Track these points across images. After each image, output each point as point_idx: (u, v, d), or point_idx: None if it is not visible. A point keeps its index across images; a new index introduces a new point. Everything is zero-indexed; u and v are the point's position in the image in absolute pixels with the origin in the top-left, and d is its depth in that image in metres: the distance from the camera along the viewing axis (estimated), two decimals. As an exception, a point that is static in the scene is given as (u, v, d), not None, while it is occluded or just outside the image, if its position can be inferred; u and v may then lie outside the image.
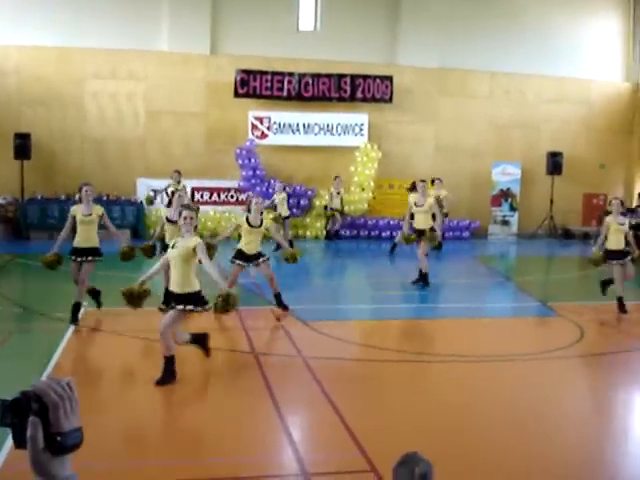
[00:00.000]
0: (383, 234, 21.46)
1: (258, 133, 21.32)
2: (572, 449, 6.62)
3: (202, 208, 20.39)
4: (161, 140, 21.04)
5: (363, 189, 21.63)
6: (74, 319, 10.45)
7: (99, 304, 11.38)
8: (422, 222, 13.82)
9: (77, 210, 11.03)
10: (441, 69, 22.77)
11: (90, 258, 11.00)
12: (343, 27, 21.99)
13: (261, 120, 21.36)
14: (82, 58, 20.32)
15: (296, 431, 6.89)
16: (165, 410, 7.42)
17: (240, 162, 20.84)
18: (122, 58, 20.63)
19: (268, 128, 21.41)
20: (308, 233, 21.11)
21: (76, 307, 10.60)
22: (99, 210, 11.06)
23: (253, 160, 20.86)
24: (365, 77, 21.69)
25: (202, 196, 20.88)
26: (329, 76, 21.48)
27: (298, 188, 21.10)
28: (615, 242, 12.04)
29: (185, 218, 8.34)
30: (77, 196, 11.91)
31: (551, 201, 22.86)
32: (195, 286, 8.31)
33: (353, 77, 21.62)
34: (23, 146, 19.30)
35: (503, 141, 23.45)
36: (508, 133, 23.48)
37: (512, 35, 23.20)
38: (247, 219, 11.00)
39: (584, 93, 24.23)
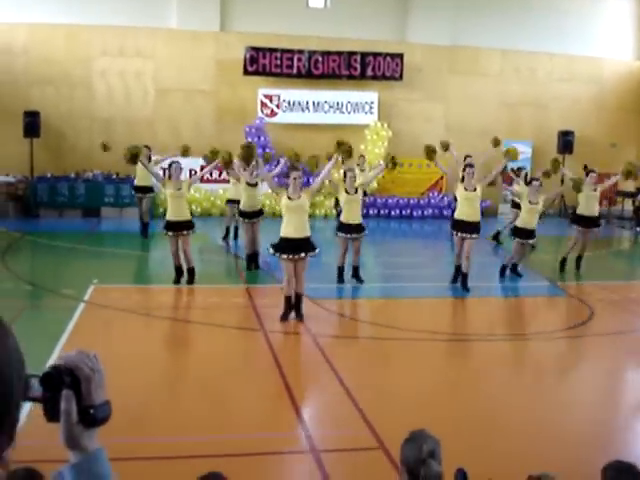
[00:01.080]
0: (392, 212, 21.39)
1: (267, 111, 21.23)
2: (577, 426, 6.62)
3: (211, 187, 20.43)
4: (170, 118, 20.97)
5: (372, 169, 21.53)
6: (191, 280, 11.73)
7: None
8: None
9: (168, 185, 11.78)
10: (452, 47, 22.57)
11: (185, 232, 11.60)
12: (353, 4, 21.80)
13: (270, 98, 21.27)
14: (90, 36, 20.22)
15: (305, 408, 6.92)
16: (175, 387, 7.45)
17: (249, 140, 20.76)
18: (131, 35, 20.52)
19: (277, 106, 21.31)
20: (317, 212, 21.05)
21: (190, 272, 11.74)
22: (187, 184, 11.87)
23: (262, 138, 20.78)
24: (375, 55, 21.52)
25: (211, 174, 20.81)
26: (339, 54, 21.33)
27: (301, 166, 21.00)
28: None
29: (295, 179, 10.07)
30: (167, 173, 12.99)
31: (562, 180, 22.71)
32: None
33: (363, 55, 21.46)
34: (32, 124, 19.28)
35: (514, 120, 23.27)
36: (519, 112, 23.30)
37: (523, 12, 22.94)
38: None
39: (595, 71, 24.00)
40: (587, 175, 14.13)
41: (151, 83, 20.87)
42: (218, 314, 10.69)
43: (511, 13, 22.82)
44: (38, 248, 15.47)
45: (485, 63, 23.01)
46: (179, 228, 11.60)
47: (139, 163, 12.89)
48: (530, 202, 12.68)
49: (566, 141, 22.65)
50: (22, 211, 19.24)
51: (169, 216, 11.70)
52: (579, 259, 13.59)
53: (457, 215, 12.21)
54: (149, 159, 15.10)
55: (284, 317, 9.75)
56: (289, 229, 9.73)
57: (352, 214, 11.95)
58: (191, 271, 11.80)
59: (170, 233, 11.60)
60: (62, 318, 9.44)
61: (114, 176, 19.96)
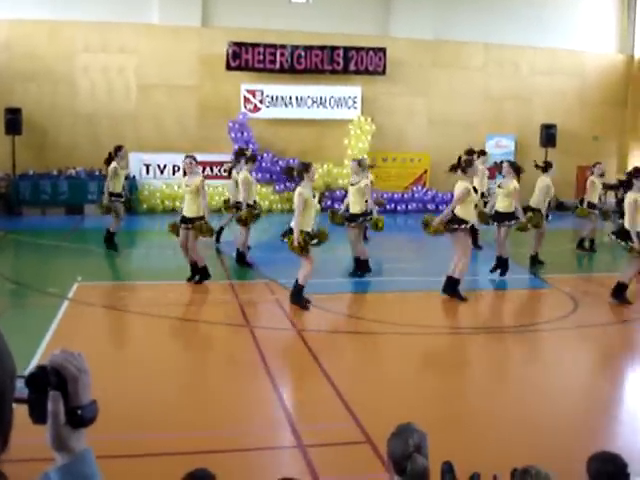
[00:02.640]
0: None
1: (251, 106, 21.18)
2: (564, 418, 6.66)
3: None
4: (153, 114, 20.87)
5: (357, 163, 21.52)
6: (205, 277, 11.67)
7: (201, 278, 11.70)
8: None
9: (182, 180, 12.13)
10: (435, 41, 22.59)
11: (191, 226, 11.51)
12: (335, -1, 21.79)
13: (253, 93, 21.21)
14: (73, 32, 20.08)
15: (291, 403, 6.92)
16: (160, 383, 7.42)
17: (232, 135, 20.71)
18: (113, 31, 20.39)
19: (261, 101, 21.26)
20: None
21: (194, 269, 11.65)
22: (198, 181, 11.58)
23: (246, 133, 20.73)
24: (358, 49, 21.51)
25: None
26: (322, 48, 21.30)
27: (291, 162, 20.99)
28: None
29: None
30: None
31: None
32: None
33: (346, 49, 21.43)
34: (14, 121, 19.11)
35: (497, 113, 23.33)
36: (502, 105, 23.37)
37: (506, 6, 23.00)
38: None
39: (578, 65, 24.10)
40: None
41: (134, 79, 20.76)
42: (203, 310, 10.67)
43: (494, 7, 22.88)
44: (21, 246, 15.36)
45: (468, 57, 23.06)
46: (184, 222, 11.59)
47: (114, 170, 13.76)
48: (499, 186, 12.91)
49: (549, 134, 22.75)
50: (4, 209, 19.10)
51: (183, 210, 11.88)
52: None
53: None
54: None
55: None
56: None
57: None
58: (195, 268, 11.64)
59: (182, 226, 11.64)
60: (46, 316, 9.38)
61: (97, 173, 19.83)
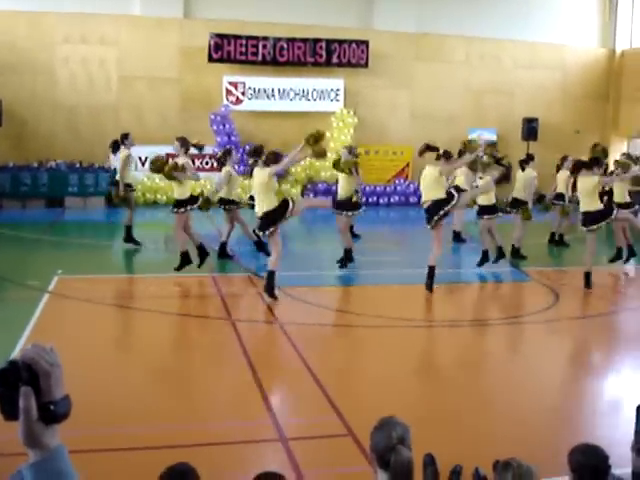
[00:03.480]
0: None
1: (233, 98, 21.08)
2: (545, 411, 6.69)
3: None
4: (134, 106, 20.72)
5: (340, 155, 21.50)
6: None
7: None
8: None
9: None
10: (417, 34, 22.57)
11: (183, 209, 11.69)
12: (318, -10, 21.71)
13: (236, 85, 21.11)
14: (53, 22, 19.87)
15: (273, 397, 6.90)
16: (141, 377, 7.38)
17: (215, 128, 20.61)
18: (93, 22, 20.19)
19: (243, 93, 21.17)
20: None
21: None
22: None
23: (228, 126, 20.64)
24: (341, 42, 21.45)
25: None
26: (304, 40, 21.21)
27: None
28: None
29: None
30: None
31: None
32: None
33: (329, 42, 21.37)
34: (-7, 112, 18.92)
35: (479, 107, 23.38)
36: (483, 99, 23.41)
37: (488, -1, 23.04)
38: None
39: (559, 58, 24.19)
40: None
41: (115, 70, 20.59)
42: (185, 303, 10.62)
43: (476, 0, 22.87)
44: (1, 239, 15.20)
45: (450, 50, 23.06)
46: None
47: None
48: (480, 179, 13.01)
49: (530, 128, 22.81)
50: (-17, 202, 18.90)
51: None
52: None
53: None
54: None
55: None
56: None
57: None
58: (182, 255, 11.57)
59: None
60: (26, 310, 9.30)
61: (78, 165, 19.68)
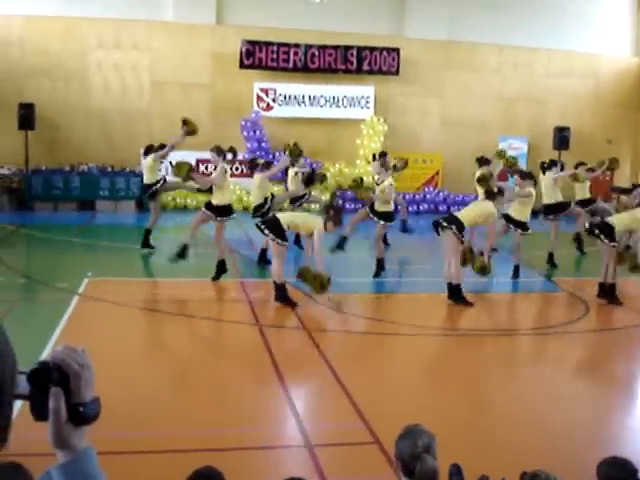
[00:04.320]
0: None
1: (263, 105, 21.18)
2: (574, 423, 6.61)
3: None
4: (166, 111, 20.88)
5: (369, 162, 21.48)
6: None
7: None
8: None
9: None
10: (449, 42, 22.53)
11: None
12: (350, -2, 21.75)
13: (266, 92, 21.21)
14: (86, 28, 20.14)
15: (300, 403, 6.89)
16: (169, 381, 7.42)
17: (245, 134, 20.73)
18: (127, 28, 20.44)
19: (273, 100, 21.26)
20: (313, 207, 20.99)
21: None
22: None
23: (258, 132, 20.75)
24: (372, 49, 21.49)
25: (207, 168, 20.76)
26: (335, 47, 21.27)
27: (304, 161, 20.99)
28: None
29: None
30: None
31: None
32: None
33: (360, 49, 21.41)
34: (27, 116, 19.19)
35: (510, 115, 23.26)
36: (515, 107, 23.29)
37: (521, 7, 22.90)
38: None
39: (592, 67, 24.00)
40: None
41: (147, 76, 20.81)
42: (213, 308, 10.66)
43: (508, 8, 22.77)
44: (32, 241, 15.40)
45: (482, 58, 22.98)
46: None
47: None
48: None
49: (562, 137, 22.64)
50: (17, 204, 19.17)
51: None
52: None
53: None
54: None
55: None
56: None
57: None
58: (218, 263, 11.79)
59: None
60: (56, 311, 9.40)
61: (109, 169, 19.89)
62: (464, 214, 11.04)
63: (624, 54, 24.54)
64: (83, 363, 1.51)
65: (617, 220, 11.05)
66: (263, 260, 13.02)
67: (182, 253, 11.67)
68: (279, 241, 10.19)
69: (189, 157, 20.21)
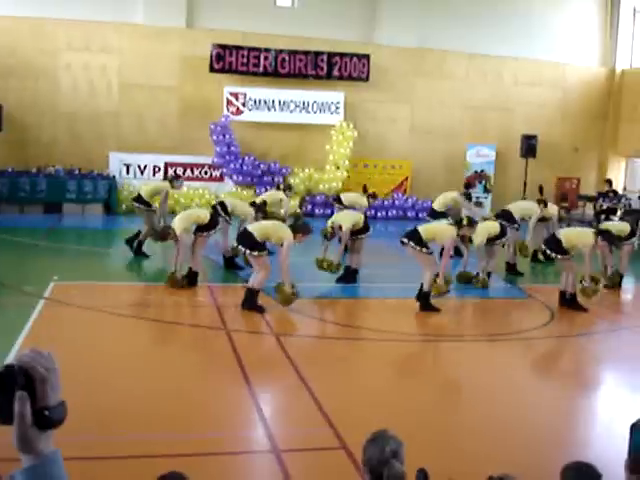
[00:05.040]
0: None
1: (233, 109, 21.12)
2: (538, 428, 6.67)
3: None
4: (135, 113, 20.76)
5: (338, 168, 21.56)
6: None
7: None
8: None
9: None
10: (419, 49, 22.66)
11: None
12: (321, 4, 21.78)
13: (236, 96, 21.16)
14: (55, 29, 19.94)
15: (267, 408, 6.88)
16: (135, 386, 7.36)
17: (214, 138, 20.65)
18: (96, 30, 20.26)
19: (243, 104, 21.21)
20: (282, 211, 20.98)
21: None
22: None
23: (228, 136, 20.68)
24: (342, 55, 21.53)
25: (175, 172, 20.67)
26: (306, 53, 21.30)
27: (273, 165, 21.00)
28: None
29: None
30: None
31: (524, 184, 22.97)
32: None
33: (330, 55, 21.45)
34: (-6, 117, 18.93)
35: (478, 123, 23.45)
36: (483, 115, 23.48)
37: (490, 16, 23.11)
38: None
39: (560, 77, 24.30)
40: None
41: (116, 78, 20.64)
42: (180, 312, 10.61)
43: (478, 17, 22.96)
44: (-3, 244, 15.20)
45: (451, 66, 23.15)
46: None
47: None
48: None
49: (530, 145, 22.85)
50: (-19, 206, 18.87)
51: None
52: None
53: None
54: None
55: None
56: None
57: None
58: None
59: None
60: (21, 315, 9.29)
61: (76, 171, 19.68)
62: (426, 227, 11.17)
63: (591, 64, 24.89)
64: (49, 367, 1.50)
65: (564, 235, 11.38)
66: (231, 266, 13.02)
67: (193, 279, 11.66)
68: (255, 253, 10.21)
69: (158, 161, 20.27)
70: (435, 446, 6.00)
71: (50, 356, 1.53)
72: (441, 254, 11.79)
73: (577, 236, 11.45)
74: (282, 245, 10.21)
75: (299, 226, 10.55)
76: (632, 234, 13.37)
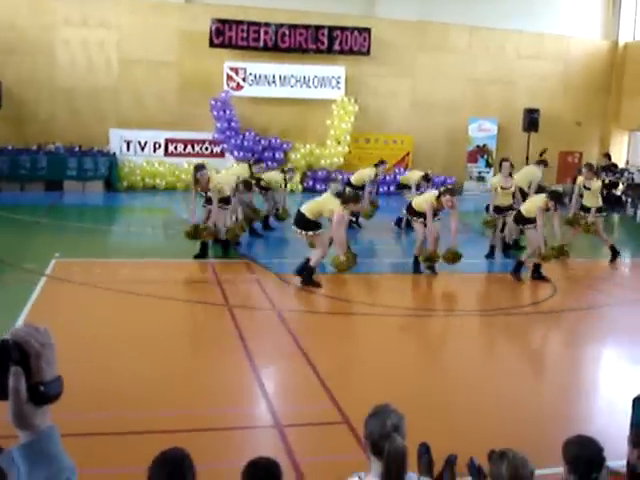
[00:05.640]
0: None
1: (233, 84, 20.99)
2: (540, 402, 6.69)
3: (176, 160, 20.21)
4: (134, 90, 20.64)
5: (339, 143, 21.47)
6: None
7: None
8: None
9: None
10: (420, 22, 22.46)
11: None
12: (321, -23, 21.59)
13: (237, 71, 21.03)
14: (53, 4, 19.76)
15: (270, 383, 6.89)
16: (137, 362, 7.37)
17: (215, 114, 20.55)
18: (94, 5, 20.08)
19: (244, 79, 21.08)
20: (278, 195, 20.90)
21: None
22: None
23: (228, 112, 20.57)
24: (343, 29, 21.36)
25: (176, 148, 20.61)
26: (306, 27, 21.13)
27: (273, 141, 20.91)
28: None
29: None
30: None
31: (527, 158, 22.86)
32: None
33: (331, 28, 21.28)
34: (-7, 93, 18.83)
35: (480, 97, 23.30)
36: (485, 89, 23.33)
37: (492, -11, 22.91)
38: None
39: (562, 50, 24.11)
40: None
41: (115, 53, 20.51)
42: (182, 289, 10.61)
43: (480, -11, 22.75)
44: (-1, 221, 15.18)
45: (453, 39, 22.97)
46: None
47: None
48: (502, 188, 12.94)
49: (532, 119, 22.73)
50: (-18, 184, 18.83)
51: None
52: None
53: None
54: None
55: None
56: None
57: None
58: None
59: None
60: (23, 293, 9.29)
61: (77, 149, 19.61)
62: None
63: (594, 37, 24.68)
64: (44, 342, 1.48)
65: (523, 207, 11.88)
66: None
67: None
68: (311, 233, 10.54)
69: (158, 137, 20.18)
70: (437, 421, 6.01)
71: (46, 331, 1.51)
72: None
73: (533, 203, 11.69)
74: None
75: (349, 196, 10.78)
76: (601, 209, 13.37)
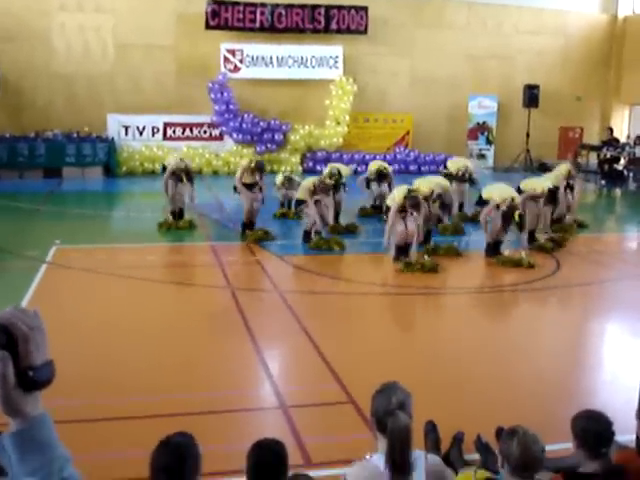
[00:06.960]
0: (359, 168, 21.20)
1: (230, 66, 20.85)
2: (547, 378, 6.65)
3: (175, 144, 20.10)
4: (130, 73, 20.50)
5: (338, 123, 21.35)
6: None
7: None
8: None
9: None
10: (417, -1, 22.29)
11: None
12: (317, -45, 21.37)
13: (233, 53, 20.87)
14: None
15: (274, 365, 6.86)
16: (141, 346, 7.33)
17: (212, 96, 20.42)
18: (89, -11, 19.94)
19: (241, 61, 20.93)
20: (283, 168, 20.85)
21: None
22: None
23: (226, 94, 20.44)
24: (340, 8, 21.18)
25: (174, 132, 20.50)
26: (303, 7, 20.94)
27: (272, 122, 20.78)
28: None
29: None
30: None
31: (527, 134, 22.77)
32: None
33: (327, 8, 21.09)
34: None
35: (479, 74, 23.14)
36: (484, 64, 23.16)
37: (489, -36, 22.71)
38: None
39: (561, 24, 23.91)
40: None
41: (111, 38, 20.35)
42: (184, 272, 10.57)
43: (477, -36, 22.55)
44: (-2, 209, 15.12)
45: (451, 16, 22.79)
46: None
47: None
48: None
49: (532, 95, 22.61)
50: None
51: None
52: None
53: None
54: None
55: None
56: None
57: None
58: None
59: None
60: (24, 280, 9.26)
61: (75, 135, 19.50)
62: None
63: (592, 11, 24.47)
64: (33, 325, 1.41)
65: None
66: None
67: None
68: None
69: (157, 121, 20.08)
70: (444, 399, 5.97)
71: (35, 314, 1.44)
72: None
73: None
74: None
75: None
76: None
